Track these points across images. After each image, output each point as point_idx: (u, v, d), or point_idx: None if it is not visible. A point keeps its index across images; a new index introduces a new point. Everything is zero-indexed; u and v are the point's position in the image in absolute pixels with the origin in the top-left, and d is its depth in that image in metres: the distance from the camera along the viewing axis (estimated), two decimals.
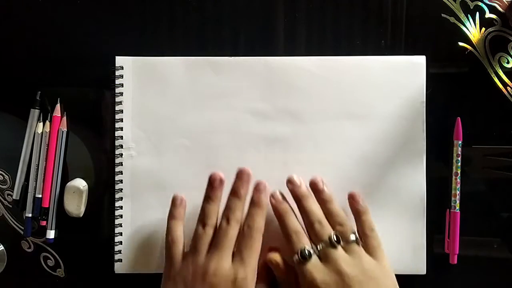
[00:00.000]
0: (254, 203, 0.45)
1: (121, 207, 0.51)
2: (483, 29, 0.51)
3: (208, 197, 0.46)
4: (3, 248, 0.52)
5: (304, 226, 0.45)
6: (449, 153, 0.50)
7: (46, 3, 0.52)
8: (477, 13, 0.51)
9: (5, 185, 0.52)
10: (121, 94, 0.51)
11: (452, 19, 0.51)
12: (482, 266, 0.51)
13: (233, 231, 0.43)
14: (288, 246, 0.44)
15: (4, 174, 0.52)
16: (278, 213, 0.45)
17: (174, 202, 0.47)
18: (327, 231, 0.43)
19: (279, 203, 0.45)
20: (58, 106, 0.51)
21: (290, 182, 0.46)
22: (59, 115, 0.51)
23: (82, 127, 0.52)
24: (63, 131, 0.51)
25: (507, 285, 0.51)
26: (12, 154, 0.51)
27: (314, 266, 0.41)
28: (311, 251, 0.42)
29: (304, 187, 0.46)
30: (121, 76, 0.51)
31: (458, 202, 0.48)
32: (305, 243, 0.43)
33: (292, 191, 0.46)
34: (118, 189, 0.51)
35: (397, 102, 0.50)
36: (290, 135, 0.51)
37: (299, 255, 0.42)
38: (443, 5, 0.51)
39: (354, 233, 0.43)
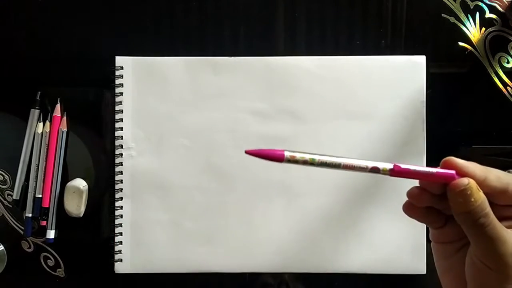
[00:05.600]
0: None
1: (121, 207, 0.51)
2: (483, 29, 0.51)
3: None
4: (3, 248, 0.52)
5: None
6: (449, 153, 0.50)
7: (46, 3, 0.52)
8: (477, 13, 0.51)
9: (5, 185, 0.52)
10: (121, 94, 0.51)
11: (452, 19, 0.51)
12: None
13: None
14: None
15: (4, 174, 0.52)
16: None
17: None
18: None
19: None
20: (58, 106, 0.51)
21: None
22: (59, 115, 0.51)
23: (82, 127, 0.52)
24: (63, 131, 0.51)
25: None
26: (12, 154, 0.51)
27: None
28: None
29: None
30: (121, 76, 0.51)
31: None
32: None
33: None
34: (118, 189, 0.51)
35: (397, 102, 0.50)
36: (290, 135, 0.51)
37: None
38: (443, 5, 0.51)
39: None
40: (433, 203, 0.31)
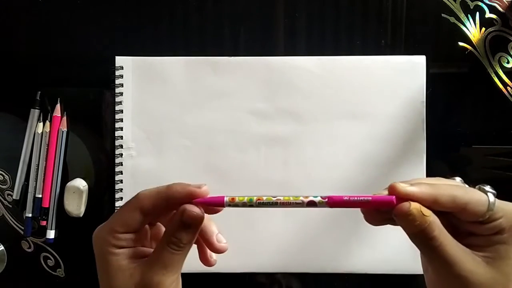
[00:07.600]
0: None
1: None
2: (483, 29, 0.51)
3: None
4: (3, 248, 0.52)
5: None
6: (449, 153, 0.50)
7: (46, 3, 0.52)
8: (477, 13, 0.51)
9: (5, 185, 0.52)
10: (121, 94, 0.51)
11: (452, 19, 0.51)
12: None
13: None
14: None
15: (4, 174, 0.52)
16: None
17: None
18: None
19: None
20: (58, 106, 0.51)
21: None
22: (59, 115, 0.51)
23: (82, 127, 0.52)
24: (63, 131, 0.51)
25: None
26: (12, 154, 0.51)
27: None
28: None
29: None
30: (121, 76, 0.51)
31: None
32: None
33: None
34: (118, 189, 0.51)
35: (397, 102, 0.50)
36: (290, 135, 0.51)
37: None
38: (443, 5, 0.51)
39: None
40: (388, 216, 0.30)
